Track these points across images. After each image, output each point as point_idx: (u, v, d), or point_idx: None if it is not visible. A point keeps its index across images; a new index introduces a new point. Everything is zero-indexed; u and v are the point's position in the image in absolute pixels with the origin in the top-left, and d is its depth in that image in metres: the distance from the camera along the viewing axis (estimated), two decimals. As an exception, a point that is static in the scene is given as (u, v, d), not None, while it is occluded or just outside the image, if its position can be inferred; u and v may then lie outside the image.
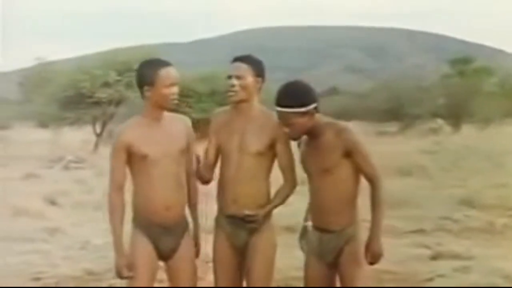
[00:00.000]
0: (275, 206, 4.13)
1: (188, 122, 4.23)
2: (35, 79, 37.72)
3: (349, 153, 3.85)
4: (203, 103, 23.73)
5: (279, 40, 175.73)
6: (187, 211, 4.25)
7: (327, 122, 3.95)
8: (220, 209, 4.21)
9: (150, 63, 4.04)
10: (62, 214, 9.76)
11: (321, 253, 4.00)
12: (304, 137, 4.04)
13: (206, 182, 4.22)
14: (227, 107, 4.25)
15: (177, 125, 4.14)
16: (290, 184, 4.12)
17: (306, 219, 4.26)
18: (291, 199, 4.19)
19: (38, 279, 6.91)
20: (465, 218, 9.58)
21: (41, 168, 16.69)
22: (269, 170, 4.14)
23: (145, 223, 4.05)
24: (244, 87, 4.07)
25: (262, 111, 4.15)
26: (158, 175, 4.00)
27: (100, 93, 22.33)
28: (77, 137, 24.15)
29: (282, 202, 4.14)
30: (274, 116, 4.05)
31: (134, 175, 4.07)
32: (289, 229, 7.12)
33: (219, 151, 4.22)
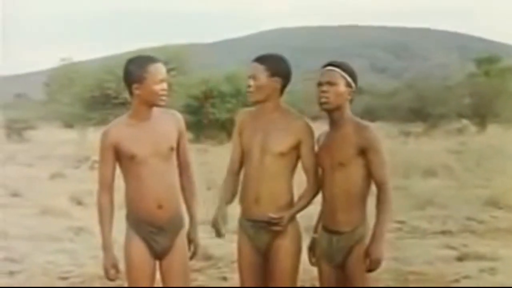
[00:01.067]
0: (300, 209, 4.08)
1: (179, 116, 4.17)
2: (61, 79, 37.91)
3: (365, 151, 3.83)
4: (228, 103, 23.78)
5: (304, 40, 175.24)
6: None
7: (352, 118, 3.95)
8: (243, 211, 4.18)
9: (137, 60, 3.98)
10: (88, 214, 9.80)
11: (330, 255, 3.95)
12: (324, 131, 4.03)
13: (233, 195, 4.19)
14: (252, 108, 4.21)
15: (167, 121, 4.08)
16: (314, 186, 4.08)
17: (315, 230, 4.22)
18: (316, 199, 4.13)
19: (64, 278, 6.98)
20: (491, 219, 9.53)
21: (67, 168, 16.82)
22: (291, 171, 4.09)
23: (138, 223, 4.04)
24: (259, 88, 4.03)
25: (288, 111, 4.11)
26: (148, 174, 3.97)
27: (126, 94, 22.34)
28: (102, 137, 24.15)
29: (307, 205, 4.09)
30: (300, 117, 4.06)
31: (125, 174, 4.05)
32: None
33: (243, 154, 4.19)
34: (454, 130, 27.97)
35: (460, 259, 7.38)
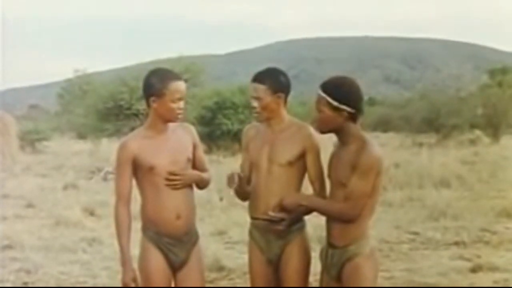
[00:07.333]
0: (302, 214, 4.03)
1: (192, 128, 4.22)
2: (75, 90, 38.14)
3: (352, 169, 3.70)
4: (240, 114, 23.78)
5: (317, 51, 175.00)
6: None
7: (360, 135, 3.79)
8: (253, 221, 4.19)
9: (160, 73, 4.01)
10: (101, 225, 9.87)
11: (328, 268, 3.92)
12: (336, 142, 3.93)
13: (244, 198, 4.20)
14: (257, 123, 4.22)
15: (182, 133, 4.12)
16: (320, 195, 4.05)
17: None
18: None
19: (78, 289, 7.01)
20: (505, 230, 9.48)
21: (80, 179, 16.85)
22: (299, 181, 4.10)
23: (155, 235, 4.06)
24: (264, 108, 4.04)
25: (293, 122, 4.13)
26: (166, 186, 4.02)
27: (139, 105, 22.46)
28: (116, 148, 24.26)
29: (310, 211, 4.01)
30: (305, 126, 4.07)
31: (142, 186, 4.08)
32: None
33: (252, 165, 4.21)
34: (467, 140, 27.87)
35: (473, 270, 7.34)
